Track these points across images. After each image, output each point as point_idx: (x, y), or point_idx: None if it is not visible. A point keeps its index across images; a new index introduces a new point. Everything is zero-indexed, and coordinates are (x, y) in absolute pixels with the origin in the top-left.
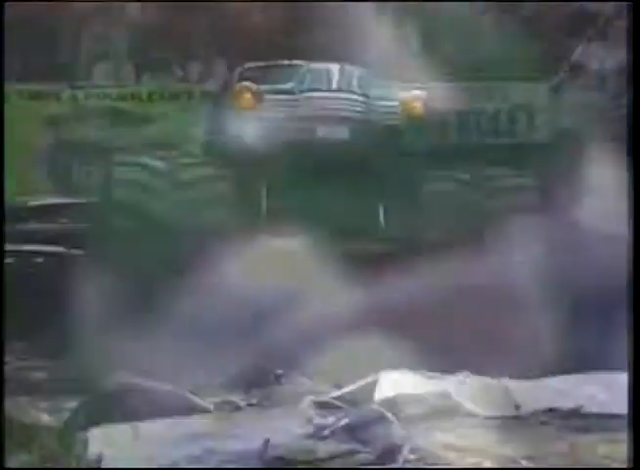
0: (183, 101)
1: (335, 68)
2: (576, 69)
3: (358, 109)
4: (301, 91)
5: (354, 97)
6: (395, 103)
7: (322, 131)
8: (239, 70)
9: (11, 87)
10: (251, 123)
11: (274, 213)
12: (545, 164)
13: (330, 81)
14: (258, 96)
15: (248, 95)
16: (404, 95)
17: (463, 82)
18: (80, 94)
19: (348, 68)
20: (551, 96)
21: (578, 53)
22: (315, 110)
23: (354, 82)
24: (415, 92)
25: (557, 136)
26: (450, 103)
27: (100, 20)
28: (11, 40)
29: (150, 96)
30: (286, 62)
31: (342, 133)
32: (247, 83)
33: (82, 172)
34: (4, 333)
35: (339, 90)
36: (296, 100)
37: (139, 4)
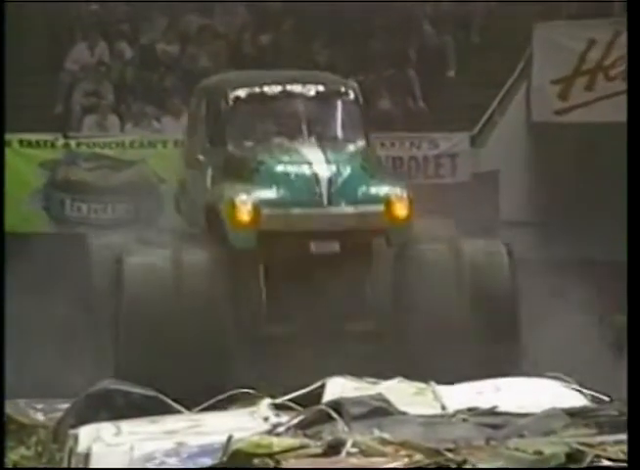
0: (159, 148)
1: (324, 175)
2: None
3: (347, 222)
4: (294, 205)
5: (343, 211)
6: (380, 207)
7: (315, 246)
8: (231, 97)
9: (13, 136)
10: (249, 236)
11: (272, 294)
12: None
13: (321, 195)
14: (256, 211)
15: (246, 215)
16: (389, 194)
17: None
18: (72, 142)
19: (335, 169)
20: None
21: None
22: (308, 227)
23: (342, 187)
24: (398, 191)
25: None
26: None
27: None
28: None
29: (131, 144)
30: (276, 89)
31: (334, 247)
32: (244, 198)
33: (74, 207)
34: (4, 332)
35: (329, 204)
36: (290, 216)
37: (124, 65)
